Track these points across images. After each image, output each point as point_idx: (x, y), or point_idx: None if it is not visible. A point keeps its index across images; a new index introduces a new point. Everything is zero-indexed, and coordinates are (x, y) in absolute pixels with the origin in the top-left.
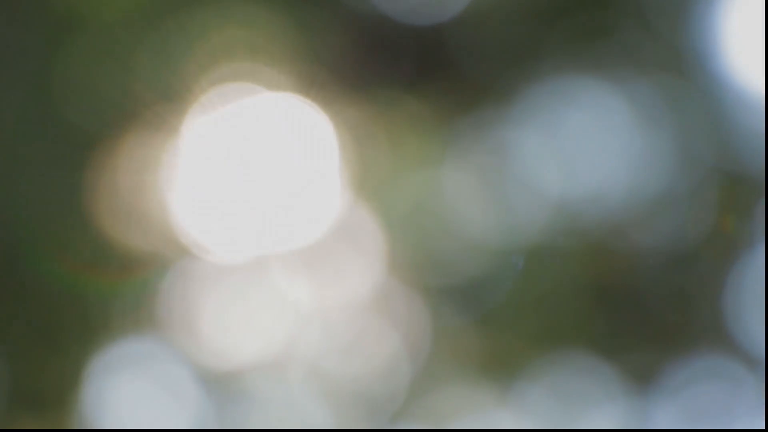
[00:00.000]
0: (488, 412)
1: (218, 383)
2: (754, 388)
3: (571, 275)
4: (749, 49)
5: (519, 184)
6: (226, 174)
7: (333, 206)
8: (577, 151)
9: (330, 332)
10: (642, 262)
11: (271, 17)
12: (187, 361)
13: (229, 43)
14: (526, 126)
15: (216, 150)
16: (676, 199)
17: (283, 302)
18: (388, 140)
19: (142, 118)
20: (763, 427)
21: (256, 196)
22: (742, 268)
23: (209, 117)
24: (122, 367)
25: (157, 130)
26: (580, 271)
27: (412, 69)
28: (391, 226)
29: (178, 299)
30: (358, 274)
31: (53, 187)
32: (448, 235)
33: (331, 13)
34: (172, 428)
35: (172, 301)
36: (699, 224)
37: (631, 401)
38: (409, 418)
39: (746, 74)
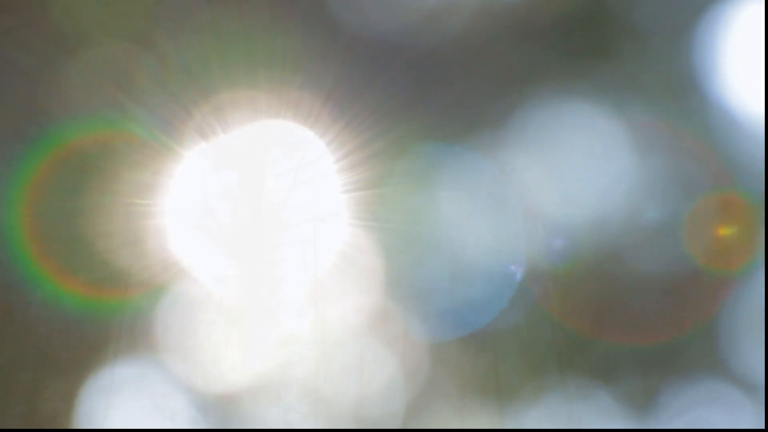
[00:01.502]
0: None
1: (214, 406)
2: (751, 412)
3: (568, 299)
4: (745, 73)
5: (516, 208)
6: (227, 198)
7: (331, 230)
8: (574, 175)
9: (327, 355)
10: (639, 287)
11: (268, 44)
12: (182, 383)
13: (228, 69)
14: (523, 149)
15: (213, 174)
16: (673, 224)
17: (280, 326)
18: (384, 164)
19: (142, 143)
20: (763, 427)
21: (255, 220)
22: (739, 294)
23: (207, 142)
24: (118, 389)
25: (157, 155)
26: (576, 295)
27: (409, 91)
28: (388, 249)
29: (175, 323)
30: (355, 297)
31: (52, 208)
32: (444, 258)
33: (329, 37)
34: (169, 428)
35: (169, 324)
36: (696, 249)
37: (628, 425)
38: None
39: (742, 98)
